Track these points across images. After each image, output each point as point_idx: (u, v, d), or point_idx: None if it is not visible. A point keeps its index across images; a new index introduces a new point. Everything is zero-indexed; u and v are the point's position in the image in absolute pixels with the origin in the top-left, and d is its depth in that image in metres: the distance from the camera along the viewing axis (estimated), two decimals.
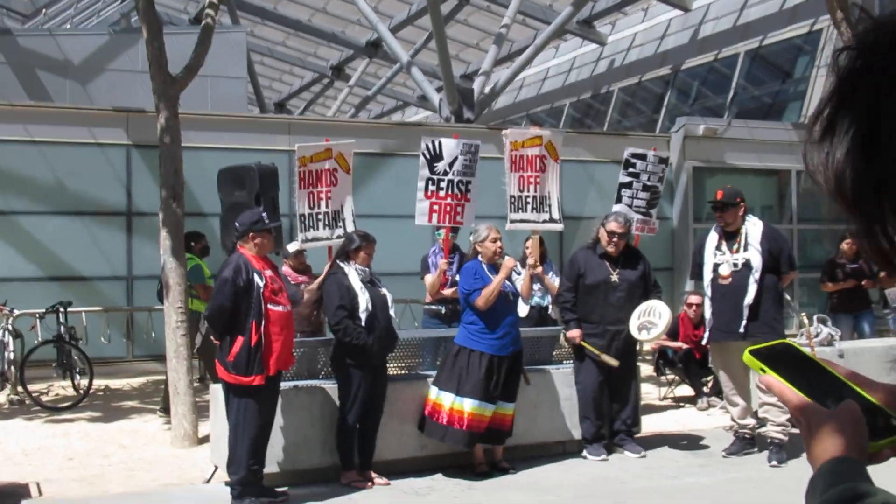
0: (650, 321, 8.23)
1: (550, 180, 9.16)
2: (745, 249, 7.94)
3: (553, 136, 9.36)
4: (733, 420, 8.32)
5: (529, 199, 9.08)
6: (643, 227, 10.45)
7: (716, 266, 8.05)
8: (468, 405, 7.31)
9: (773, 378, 1.20)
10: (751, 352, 1.23)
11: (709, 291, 8.15)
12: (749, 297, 7.83)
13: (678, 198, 16.70)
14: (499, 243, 7.66)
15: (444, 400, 7.39)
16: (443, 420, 7.39)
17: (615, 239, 8.25)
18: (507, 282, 7.54)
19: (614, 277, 8.23)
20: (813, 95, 18.21)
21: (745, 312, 7.83)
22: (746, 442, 8.25)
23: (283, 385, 7.04)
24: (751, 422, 8.23)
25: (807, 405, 1.16)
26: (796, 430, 1.26)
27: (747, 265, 7.90)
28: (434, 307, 9.37)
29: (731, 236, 8.06)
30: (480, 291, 7.36)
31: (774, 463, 7.81)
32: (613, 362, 8.16)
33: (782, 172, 17.39)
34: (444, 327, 9.10)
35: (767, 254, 7.90)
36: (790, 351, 1.23)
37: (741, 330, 7.84)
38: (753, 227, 8.03)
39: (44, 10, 23.25)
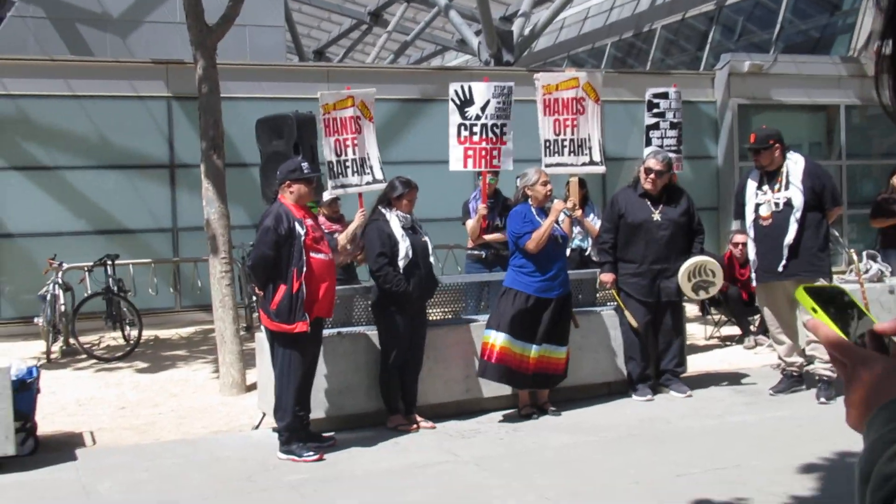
0: (705, 280, 8.20)
1: (591, 122, 8.94)
2: (787, 188, 7.80)
3: (591, 77, 9.04)
4: (780, 358, 8.24)
5: (566, 143, 8.89)
6: (678, 164, 10.31)
7: (757, 206, 7.93)
8: (500, 339, 7.36)
9: (821, 321, 1.19)
10: (805, 289, 1.22)
11: (751, 232, 8.04)
12: (789, 237, 7.72)
13: (723, 136, 16.44)
14: (549, 186, 7.64)
15: (488, 337, 7.45)
16: (484, 356, 7.45)
17: (651, 176, 8.16)
18: (556, 224, 7.50)
19: (657, 216, 8.15)
20: (862, 28, 17.72)
21: (785, 252, 7.73)
22: (794, 380, 8.18)
23: (326, 332, 7.09)
24: (798, 360, 8.15)
25: (858, 349, 1.16)
26: None
27: (788, 204, 7.77)
28: (476, 252, 9.35)
29: (772, 175, 7.91)
30: (530, 235, 7.34)
31: (823, 400, 7.75)
32: (634, 323, 8.13)
33: (830, 108, 17.03)
34: (487, 272, 9.10)
35: (809, 191, 7.75)
36: (842, 297, 1.21)
37: (780, 269, 7.75)
38: (794, 166, 7.87)
39: None
